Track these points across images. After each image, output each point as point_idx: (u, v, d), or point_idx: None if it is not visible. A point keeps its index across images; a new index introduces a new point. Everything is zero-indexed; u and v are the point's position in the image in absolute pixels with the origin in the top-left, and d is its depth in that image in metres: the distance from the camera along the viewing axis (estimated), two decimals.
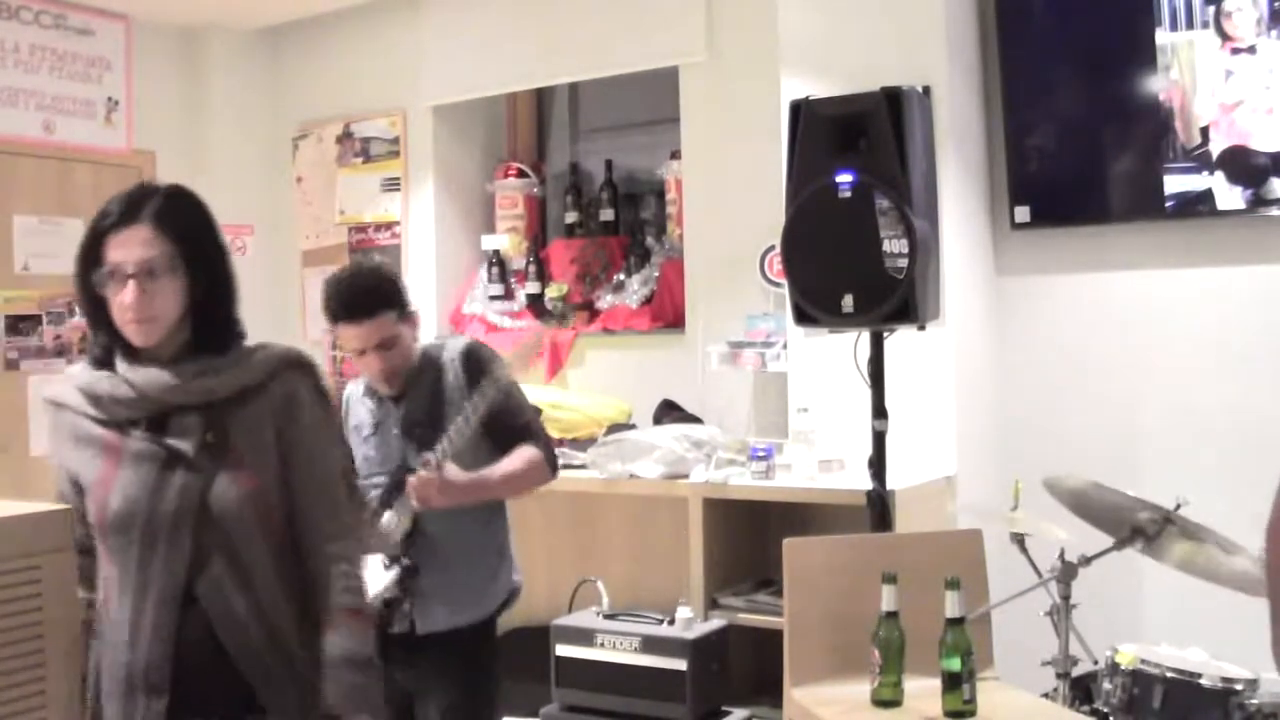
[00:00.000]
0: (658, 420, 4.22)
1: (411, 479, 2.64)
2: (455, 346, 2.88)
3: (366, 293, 2.73)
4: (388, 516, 2.74)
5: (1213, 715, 2.66)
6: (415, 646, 2.73)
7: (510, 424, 2.78)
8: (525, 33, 4.81)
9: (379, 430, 2.85)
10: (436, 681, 2.76)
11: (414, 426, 2.79)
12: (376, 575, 2.67)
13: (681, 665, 3.41)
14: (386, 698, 2.71)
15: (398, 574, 2.68)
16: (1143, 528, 2.70)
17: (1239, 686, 2.66)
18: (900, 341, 3.19)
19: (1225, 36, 3.43)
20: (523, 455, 2.76)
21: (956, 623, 2.48)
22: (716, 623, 3.59)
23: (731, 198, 4.29)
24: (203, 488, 1.90)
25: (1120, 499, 2.74)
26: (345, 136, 5.38)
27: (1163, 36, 3.52)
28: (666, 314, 4.55)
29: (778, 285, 4.01)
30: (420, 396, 2.82)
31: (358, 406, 2.93)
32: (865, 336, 3.13)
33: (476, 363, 2.81)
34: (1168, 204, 3.55)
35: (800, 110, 3.13)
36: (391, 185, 5.26)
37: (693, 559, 3.72)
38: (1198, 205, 3.51)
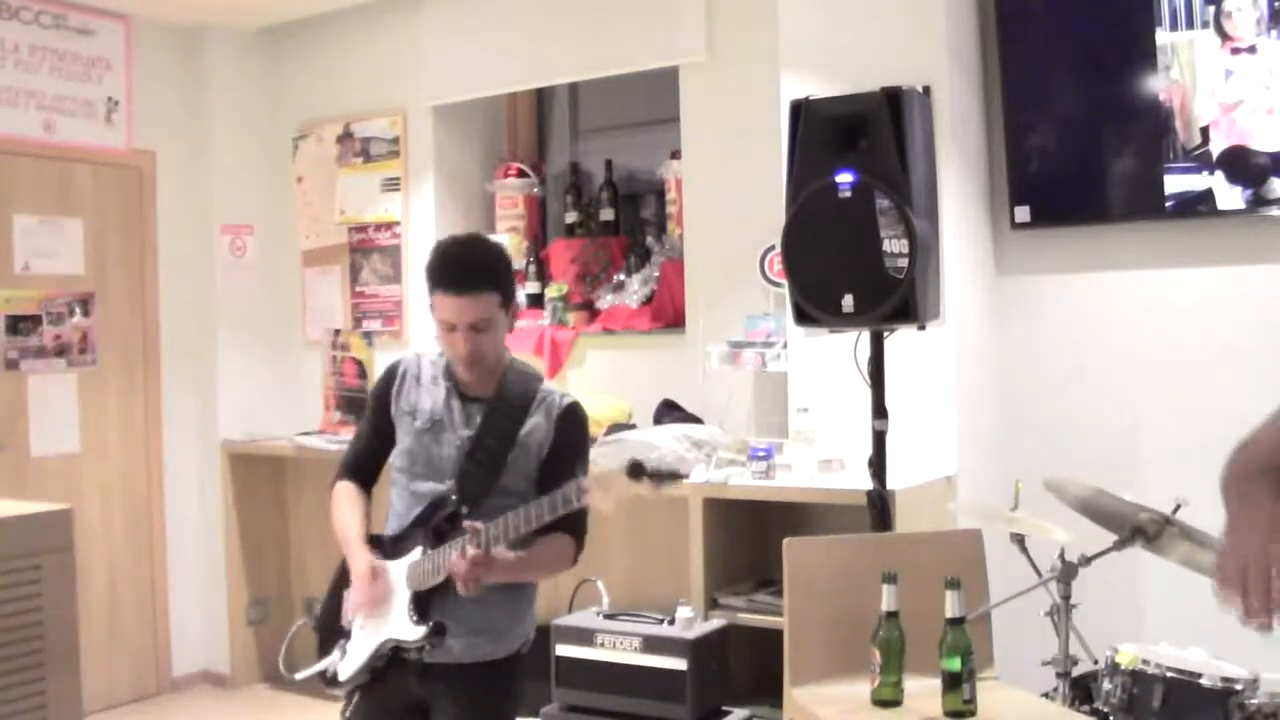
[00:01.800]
0: (658, 420, 4.22)
1: (456, 558, 2.44)
2: (558, 397, 2.67)
3: (479, 265, 2.51)
4: (425, 564, 2.57)
5: (1212, 715, 2.66)
6: (426, 668, 2.61)
7: (568, 511, 2.55)
8: (525, 33, 4.81)
9: (436, 426, 2.63)
10: (446, 708, 2.63)
11: (479, 449, 2.59)
12: (404, 627, 2.58)
13: (682, 665, 3.41)
14: (397, 702, 2.65)
15: (426, 632, 2.55)
16: (1143, 528, 2.70)
17: (1239, 686, 2.66)
18: (900, 341, 3.19)
19: (1225, 36, 3.43)
20: (561, 546, 2.58)
21: (956, 623, 2.48)
22: (716, 622, 3.59)
23: (731, 198, 4.29)
24: None
25: (1121, 503, 2.74)
26: (345, 136, 5.38)
27: (1163, 36, 3.52)
28: (666, 314, 4.55)
29: (778, 285, 4.01)
30: (499, 420, 2.61)
31: (424, 386, 2.68)
32: (865, 336, 3.13)
33: (573, 430, 2.65)
34: (1168, 204, 3.55)
35: (800, 110, 3.13)
36: (392, 185, 5.26)
37: (693, 559, 3.72)
38: (1198, 205, 3.51)
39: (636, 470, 2.29)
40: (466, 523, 2.48)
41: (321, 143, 5.46)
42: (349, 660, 2.68)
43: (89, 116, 5.07)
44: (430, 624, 2.55)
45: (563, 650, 3.60)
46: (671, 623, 3.52)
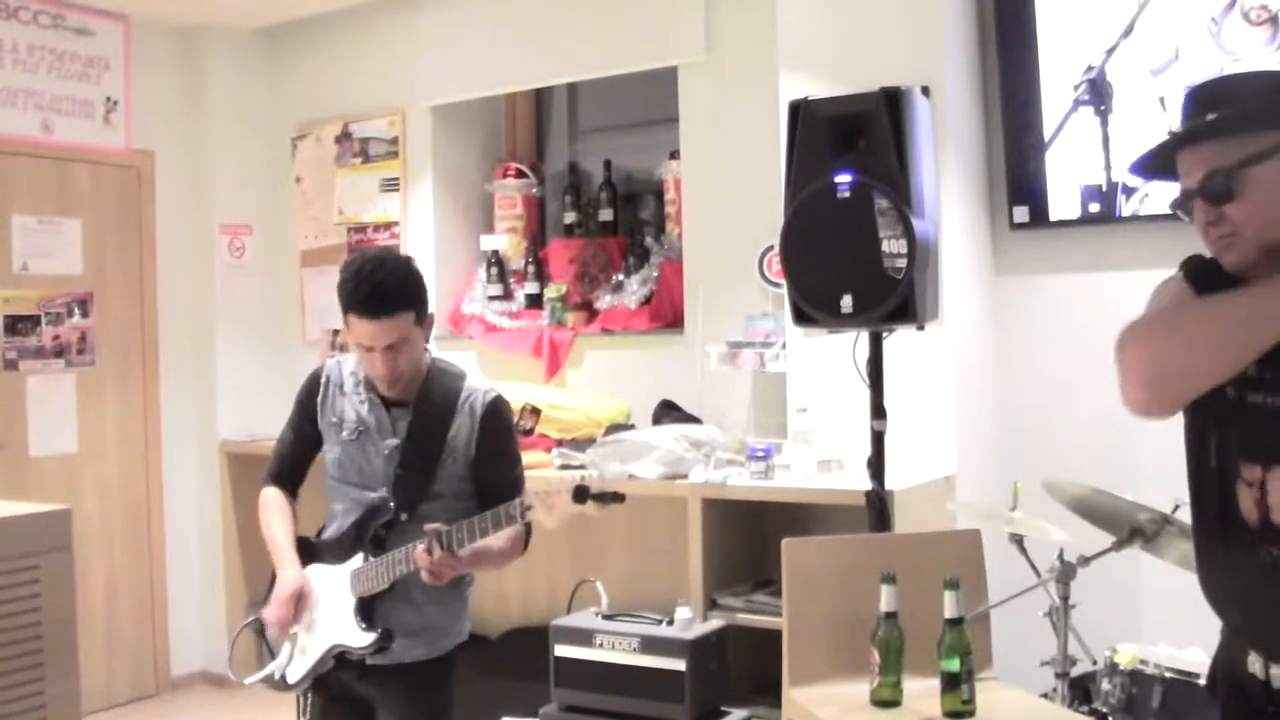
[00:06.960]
0: (657, 420, 4.22)
1: (421, 552, 2.47)
2: (481, 395, 2.68)
3: (390, 289, 2.52)
4: (369, 572, 2.61)
5: (1211, 715, 2.66)
6: (365, 668, 2.65)
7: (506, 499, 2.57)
8: (525, 33, 4.81)
9: (362, 436, 2.67)
10: (391, 707, 2.67)
11: (410, 456, 2.63)
12: (352, 634, 2.61)
13: (680, 665, 3.41)
14: (346, 699, 2.69)
15: (375, 639, 2.59)
16: (1141, 528, 2.70)
17: None
18: (899, 341, 3.19)
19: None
20: (515, 535, 2.62)
21: (955, 623, 2.48)
22: (715, 623, 3.59)
23: (731, 198, 4.29)
24: None
25: (1119, 504, 2.74)
26: (344, 137, 5.38)
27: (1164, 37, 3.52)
28: (665, 314, 4.55)
29: (777, 285, 4.01)
30: (424, 425, 2.65)
31: (348, 396, 2.72)
32: (864, 336, 3.14)
33: (496, 425, 2.67)
34: (1168, 203, 3.54)
35: (799, 110, 3.13)
36: (390, 185, 5.26)
37: (691, 559, 3.72)
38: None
39: (581, 494, 2.35)
40: (428, 525, 2.51)
41: (320, 143, 5.46)
42: (297, 664, 2.72)
43: (88, 116, 5.07)
44: (379, 631, 2.60)
45: (561, 650, 3.60)
46: (670, 623, 3.52)
